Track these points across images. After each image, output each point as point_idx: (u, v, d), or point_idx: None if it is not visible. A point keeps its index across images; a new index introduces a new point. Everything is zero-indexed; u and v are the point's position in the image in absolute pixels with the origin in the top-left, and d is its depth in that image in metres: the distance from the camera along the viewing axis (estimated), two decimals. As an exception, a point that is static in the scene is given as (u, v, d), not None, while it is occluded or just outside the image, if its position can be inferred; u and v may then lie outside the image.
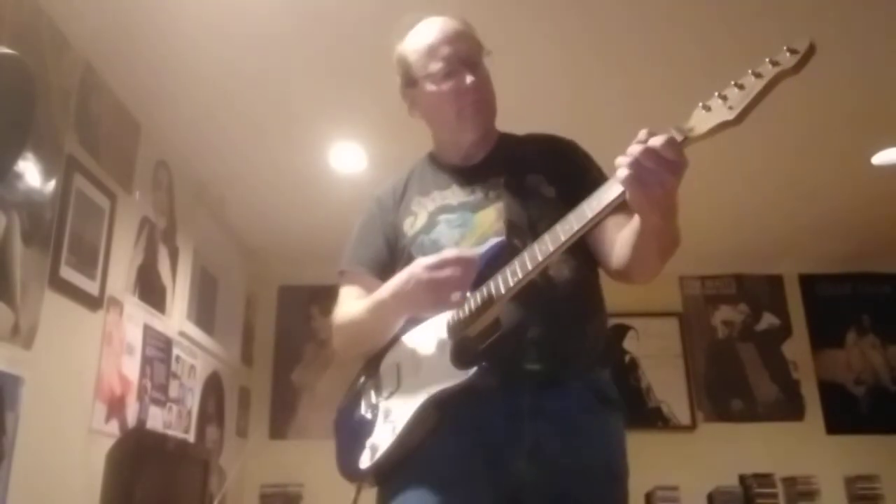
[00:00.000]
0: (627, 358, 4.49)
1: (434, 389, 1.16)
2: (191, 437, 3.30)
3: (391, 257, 1.37)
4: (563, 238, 1.06)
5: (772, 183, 3.53)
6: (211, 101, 2.78)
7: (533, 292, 1.16)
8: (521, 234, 1.22)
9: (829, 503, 4.03)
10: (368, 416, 1.28)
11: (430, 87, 1.35)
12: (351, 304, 1.37)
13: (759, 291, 4.63)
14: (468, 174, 1.37)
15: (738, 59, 0.97)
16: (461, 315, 1.18)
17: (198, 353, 3.46)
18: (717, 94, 0.95)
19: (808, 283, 4.62)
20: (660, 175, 0.96)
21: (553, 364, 1.19)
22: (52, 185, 2.21)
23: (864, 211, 3.81)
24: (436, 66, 1.33)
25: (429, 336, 1.22)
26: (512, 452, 1.16)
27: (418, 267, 1.16)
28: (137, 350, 2.78)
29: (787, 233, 4.12)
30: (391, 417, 1.22)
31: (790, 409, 4.37)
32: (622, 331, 4.53)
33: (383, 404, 1.26)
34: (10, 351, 1.97)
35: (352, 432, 1.29)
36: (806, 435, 4.29)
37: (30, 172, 2.10)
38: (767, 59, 0.92)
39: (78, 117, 2.40)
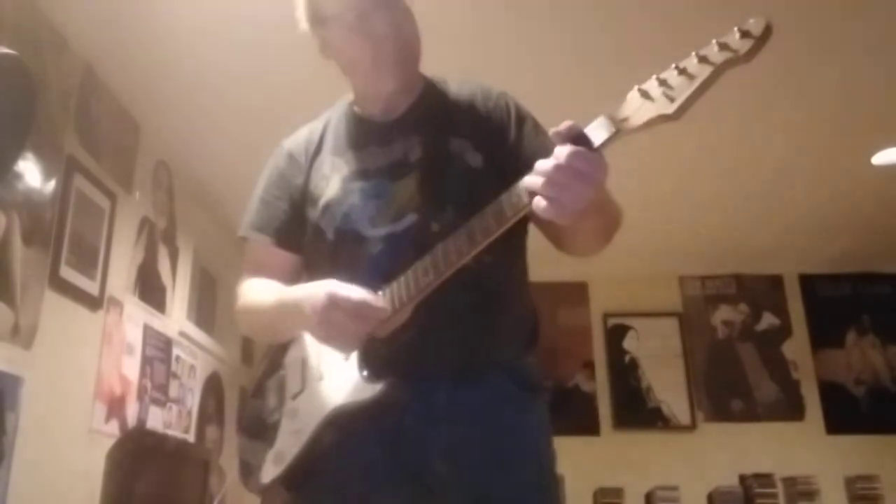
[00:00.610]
0: (627, 358, 4.49)
1: (339, 401, 1.06)
2: (191, 437, 3.30)
3: (298, 224, 1.23)
4: (479, 238, 0.97)
5: (772, 183, 3.52)
6: (211, 100, 2.78)
7: (449, 284, 1.02)
8: (439, 212, 1.09)
9: (829, 503, 4.03)
10: (272, 418, 1.16)
11: (341, 30, 1.18)
12: (257, 288, 1.23)
13: (759, 291, 4.63)
14: (388, 131, 1.21)
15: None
16: None
17: (198, 353, 3.46)
18: (656, 77, 0.84)
19: (808, 283, 4.62)
20: (571, 190, 0.86)
21: (470, 359, 1.11)
22: (52, 185, 2.22)
23: (864, 211, 3.81)
24: (348, 10, 1.16)
25: None
26: (430, 455, 1.07)
27: (326, 296, 1.02)
28: (137, 350, 2.78)
29: (787, 233, 4.11)
30: (295, 424, 1.12)
31: (790, 409, 4.37)
32: (622, 331, 4.53)
33: (288, 406, 1.15)
34: (10, 351, 1.97)
35: (255, 437, 1.18)
36: (806, 435, 4.29)
37: (30, 172, 2.11)
38: (715, 41, 0.80)
39: (78, 117, 2.40)
